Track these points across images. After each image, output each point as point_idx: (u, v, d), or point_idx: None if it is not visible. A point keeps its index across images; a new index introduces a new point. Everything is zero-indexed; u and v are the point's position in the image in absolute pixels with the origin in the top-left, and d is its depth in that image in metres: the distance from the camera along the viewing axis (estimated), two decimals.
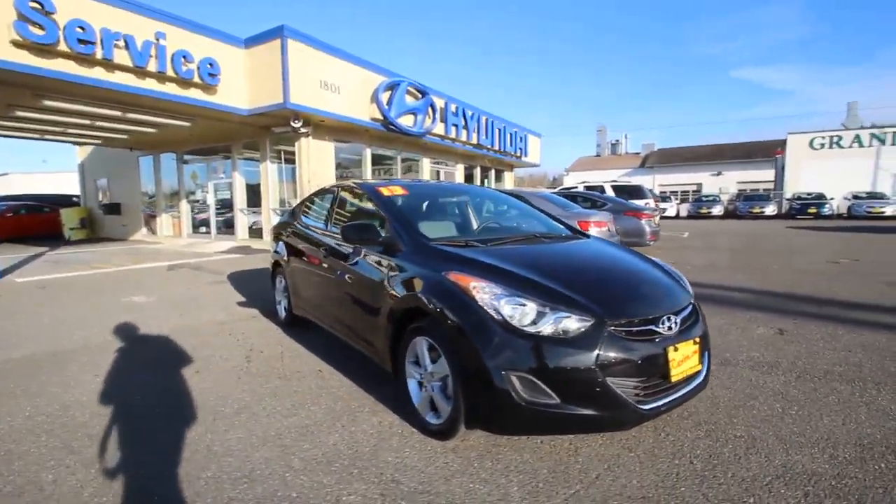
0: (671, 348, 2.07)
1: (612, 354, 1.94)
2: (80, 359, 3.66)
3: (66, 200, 19.00)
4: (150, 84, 8.06)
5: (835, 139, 28.69)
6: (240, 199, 12.82)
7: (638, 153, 46.89)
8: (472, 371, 2.03)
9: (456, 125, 14.60)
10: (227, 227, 13.46)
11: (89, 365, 3.50)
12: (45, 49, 6.85)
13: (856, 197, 23.93)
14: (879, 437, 2.27)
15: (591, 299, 2.07)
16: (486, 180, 20.00)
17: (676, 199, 33.11)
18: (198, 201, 14.50)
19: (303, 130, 10.44)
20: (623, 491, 1.89)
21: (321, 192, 4.20)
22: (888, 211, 21.78)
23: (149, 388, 3.04)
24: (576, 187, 16.07)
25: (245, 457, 2.19)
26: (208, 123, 10.55)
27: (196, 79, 8.61)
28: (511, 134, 18.59)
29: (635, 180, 28.41)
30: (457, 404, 2.12)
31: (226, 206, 13.50)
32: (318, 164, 11.19)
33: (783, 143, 30.50)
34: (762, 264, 8.08)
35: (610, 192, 14.15)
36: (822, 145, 28.89)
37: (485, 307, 2.05)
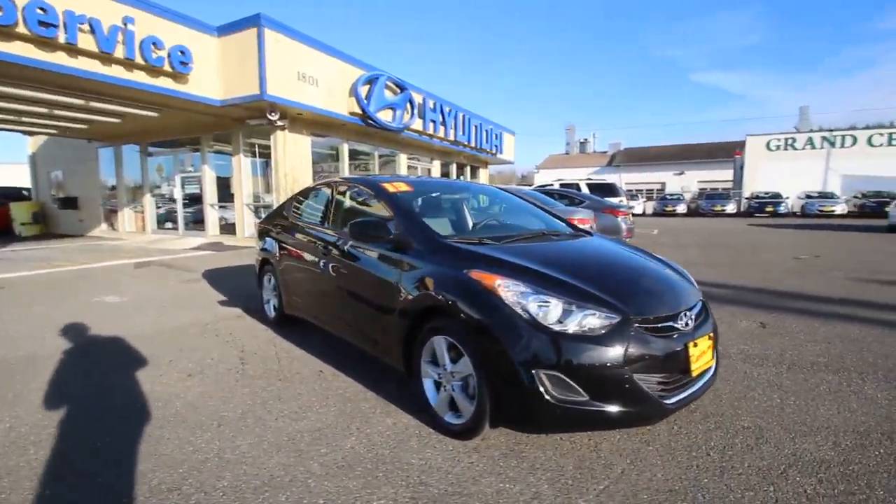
0: (691, 344, 2.13)
1: (638, 351, 1.97)
2: (59, 363, 3.42)
3: (15, 193, 17.72)
4: (117, 71, 7.61)
5: (789, 141, 30.30)
6: (210, 193, 12.33)
7: (605, 152, 48.07)
8: (501, 370, 2.01)
9: (434, 121, 14.53)
10: (196, 222, 12.93)
11: (70, 368, 3.28)
12: (1, 31, 6.34)
13: (808, 196, 25.38)
14: (873, 425, 2.41)
15: (615, 297, 2.10)
16: (461, 177, 20.03)
17: (643, 197, 34.18)
18: (163, 196, 13.86)
19: (279, 123, 10.13)
20: (650, 484, 1.93)
21: (317, 188, 4.09)
22: (838, 210, 23.28)
23: (141, 393, 2.88)
24: (552, 185, 16.30)
25: (261, 464, 2.11)
26: (177, 114, 10.08)
27: (167, 67, 8.19)
28: (487, 131, 18.68)
29: (602, 178, 29.14)
30: (481, 404, 2.11)
31: (194, 200, 12.96)
32: (294, 158, 10.90)
33: (742, 145, 31.95)
34: (732, 260, 8.46)
35: (585, 190, 14.41)
36: (778, 147, 30.46)
37: (512, 306, 2.03)
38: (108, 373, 3.25)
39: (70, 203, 15.67)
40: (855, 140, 28.63)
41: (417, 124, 13.72)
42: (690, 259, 8.58)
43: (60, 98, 8.42)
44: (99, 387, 3.00)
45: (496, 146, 19.82)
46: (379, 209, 3.21)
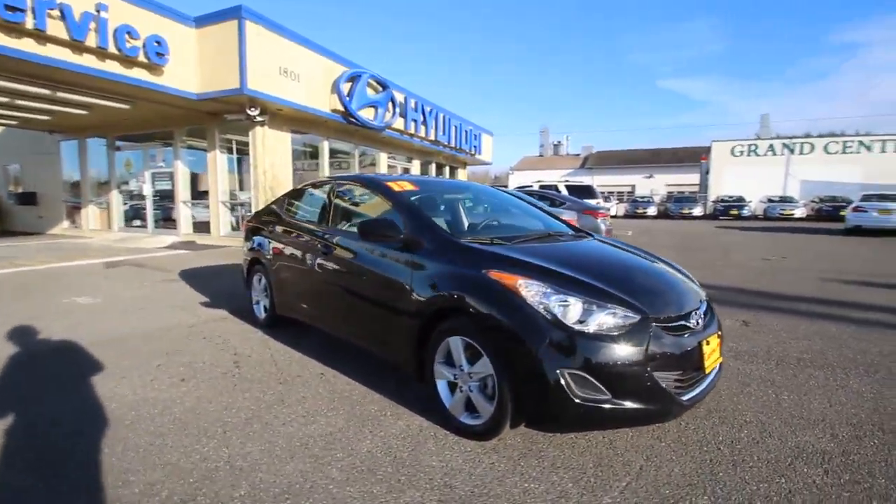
0: (704, 342, 2.19)
1: (658, 349, 2.02)
2: (37, 368, 3.22)
3: None
4: (89, 61, 7.22)
5: (752, 147, 31.74)
6: (182, 190, 11.87)
7: (578, 154, 49.07)
8: (524, 371, 2.02)
9: (415, 120, 14.47)
10: (167, 220, 12.44)
11: (50, 375, 3.10)
12: None
13: (770, 200, 26.69)
14: (864, 417, 2.54)
15: (633, 296, 2.14)
16: (440, 177, 20.02)
17: (615, 199, 35.08)
18: (132, 192, 13.26)
19: (259, 119, 9.86)
20: (669, 479, 1.97)
21: (313, 186, 4.00)
22: (797, 213, 24.64)
23: (135, 400, 2.74)
24: (531, 186, 16.49)
25: (276, 471, 2.04)
26: (150, 107, 9.67)
27: (141, 57, 7.84)
28: (466, 131, 18.75)
29: (576, 180, 29.75)
30: (502, 404, 2.11)
31: (165, 197, 12.45)
32: (274, 154, 10.63)
33: (708, 150, 33.26)
34: (705, 260, 8.78)
35: (564, 192, 14.65)
36: (742, 153, 31.86)
37: (535, 306, 2.04)
38: (93, 377, 3.08)
39: (28, 199, 14.81)
40: (812, 147, 30.25)
41: (399, 123, 13.63)
42: (672, 260, 8.84)
43: (24, 87, 7.91)
44: (86, 392, 2.84)
45: (475, 147, 19.92)
46: (382, 208, 3.17)
